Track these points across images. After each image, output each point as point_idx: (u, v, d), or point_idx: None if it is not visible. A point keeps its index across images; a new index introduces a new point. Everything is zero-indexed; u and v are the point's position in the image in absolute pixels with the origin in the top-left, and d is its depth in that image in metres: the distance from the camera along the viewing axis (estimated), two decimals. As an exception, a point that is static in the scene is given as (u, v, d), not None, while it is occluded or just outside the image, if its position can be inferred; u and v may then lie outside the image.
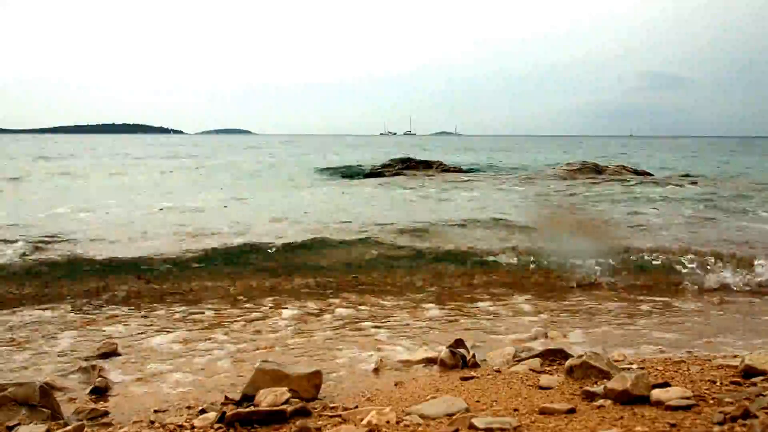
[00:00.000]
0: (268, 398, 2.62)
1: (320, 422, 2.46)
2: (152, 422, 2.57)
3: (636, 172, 17.91)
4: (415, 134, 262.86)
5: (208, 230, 7.57)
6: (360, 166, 20.86)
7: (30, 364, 3.58)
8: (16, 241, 6.57)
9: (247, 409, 2.51)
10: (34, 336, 4.20)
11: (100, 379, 3.18)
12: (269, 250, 6.40)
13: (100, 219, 8.73)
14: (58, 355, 3.77)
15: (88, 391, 3.09)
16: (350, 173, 18.68)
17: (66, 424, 2.50)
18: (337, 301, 5.25)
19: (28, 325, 4.48)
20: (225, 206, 10.36)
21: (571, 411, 2.42)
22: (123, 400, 3.01)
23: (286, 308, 4.96)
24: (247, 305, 5.13)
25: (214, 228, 7.70)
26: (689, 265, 6.11)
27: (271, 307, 5.04)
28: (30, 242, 6.55)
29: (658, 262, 6.26)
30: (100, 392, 3.07)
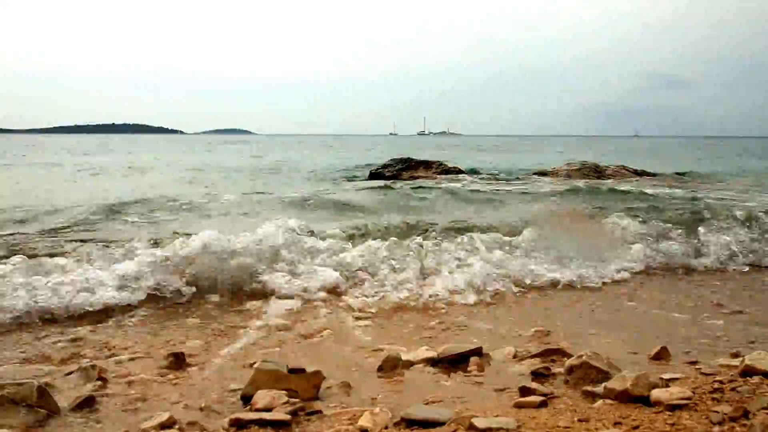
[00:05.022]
0: (264, 400, 2.63)
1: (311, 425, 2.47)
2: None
3: (636, 173, 17.91)
4: (429, 134, 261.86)
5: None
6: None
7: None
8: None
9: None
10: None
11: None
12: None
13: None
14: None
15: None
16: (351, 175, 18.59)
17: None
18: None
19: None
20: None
21: (543, 404, 2.54)
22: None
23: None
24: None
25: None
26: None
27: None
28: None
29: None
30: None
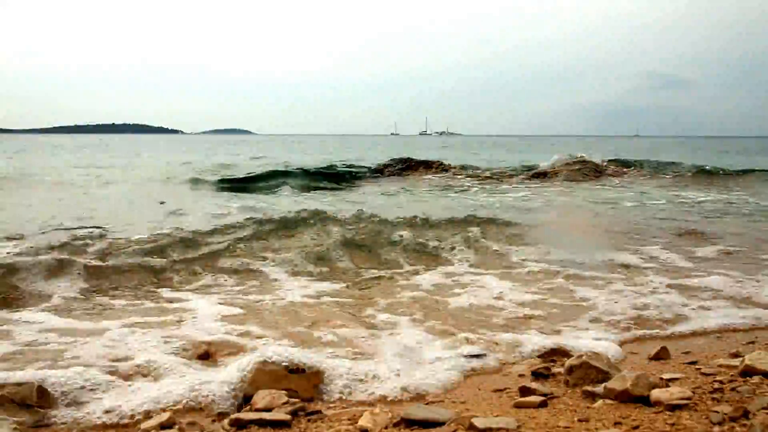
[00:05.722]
0: (264, 400, 2.63)
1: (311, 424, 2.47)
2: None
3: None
4: (431, 134, 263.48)
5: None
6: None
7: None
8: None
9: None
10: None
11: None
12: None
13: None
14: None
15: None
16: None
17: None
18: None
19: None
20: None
21: (543, 404, 2.54)
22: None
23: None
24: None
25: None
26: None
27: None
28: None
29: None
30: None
